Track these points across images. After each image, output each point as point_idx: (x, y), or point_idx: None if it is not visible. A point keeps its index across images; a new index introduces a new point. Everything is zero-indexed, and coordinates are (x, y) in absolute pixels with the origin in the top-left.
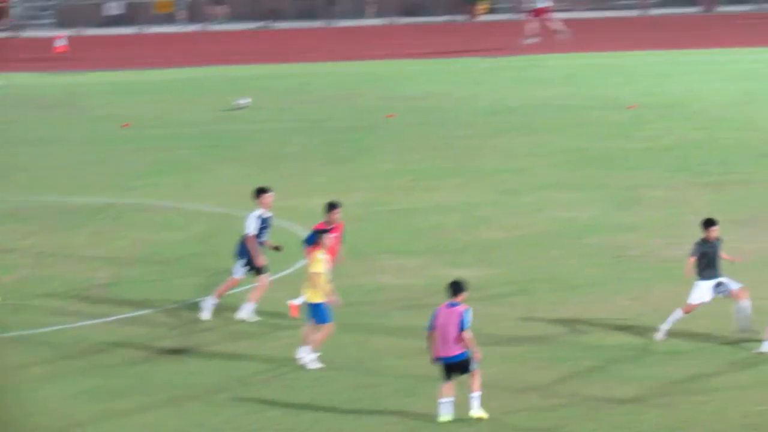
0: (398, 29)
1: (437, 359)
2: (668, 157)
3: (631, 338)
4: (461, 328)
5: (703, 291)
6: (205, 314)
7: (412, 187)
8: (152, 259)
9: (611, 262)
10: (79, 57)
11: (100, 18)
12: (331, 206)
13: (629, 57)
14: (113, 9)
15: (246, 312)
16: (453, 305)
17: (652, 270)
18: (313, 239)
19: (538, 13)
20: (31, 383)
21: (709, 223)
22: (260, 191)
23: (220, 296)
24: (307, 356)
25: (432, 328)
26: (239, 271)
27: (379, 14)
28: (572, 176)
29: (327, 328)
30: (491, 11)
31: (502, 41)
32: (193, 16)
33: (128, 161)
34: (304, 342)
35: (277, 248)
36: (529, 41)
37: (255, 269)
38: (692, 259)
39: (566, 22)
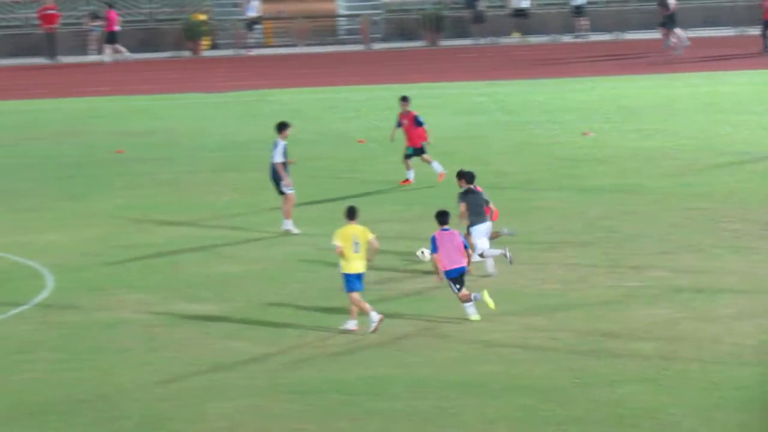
0: (121, 65)
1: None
2: (400, 190)
3: (371, 371)
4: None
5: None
6: (295, 230)
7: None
8: None
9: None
10: None
11: None
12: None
13: (355, 91)
14: None
15: (289, 225)
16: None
17: (390, 301)
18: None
19: None
20: None
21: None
22: (282, 125)
23: (290, 216)
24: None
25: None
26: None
27: (102, 51)
28: (305, 209)
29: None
30: (214, 47)
31: (227, 76)
32: None
33: None
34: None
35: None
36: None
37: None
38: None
39: (293, 57)
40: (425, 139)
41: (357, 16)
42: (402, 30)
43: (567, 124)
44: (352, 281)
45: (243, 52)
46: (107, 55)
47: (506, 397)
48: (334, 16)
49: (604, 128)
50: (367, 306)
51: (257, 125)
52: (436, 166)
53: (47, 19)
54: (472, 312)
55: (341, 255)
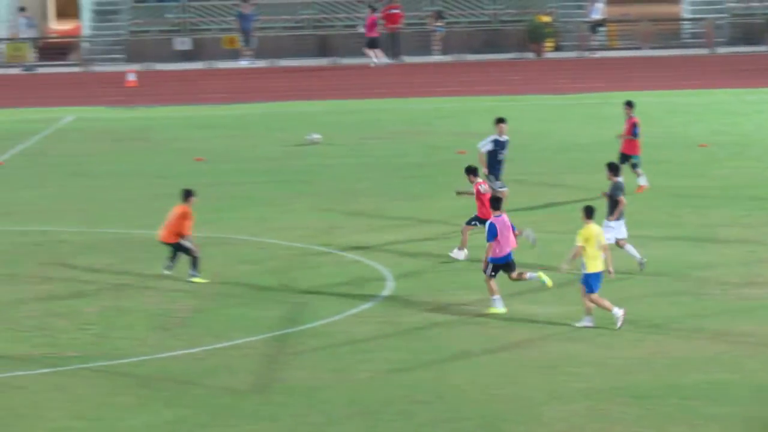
0: (465, 66)
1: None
2: (743, 195)
3: (709, 376)
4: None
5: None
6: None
7: None
8: (231, 291)
9: (689, 301)
10: (150, 92)
11: (170, 53)
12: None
13: (698, 95)
14: (182, 44)
15: None
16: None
17: (731, 308)
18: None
19: None
20: (116, 413)
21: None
22: (499, 120)
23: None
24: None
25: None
26: (497, 184)
27: (445, 51)
28: (646, 214)
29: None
30: (557, 49)
31: (570, 78)
32: (260, 53)
33: (202, 195)
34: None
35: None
36: None
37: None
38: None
39: (636, 60)
40: (636, 152)
41: (701, 19)
42: (747, 34)
43: None
44: (595, 282)
45: (586, 54)
46: (376, 58)
47: None
48: (678, 19)
49: None
50: (607, 303)
51: (600, 127)
52: (642, 180)
53: (391, 18)
54: (500, 306)
55: (580, 256)
